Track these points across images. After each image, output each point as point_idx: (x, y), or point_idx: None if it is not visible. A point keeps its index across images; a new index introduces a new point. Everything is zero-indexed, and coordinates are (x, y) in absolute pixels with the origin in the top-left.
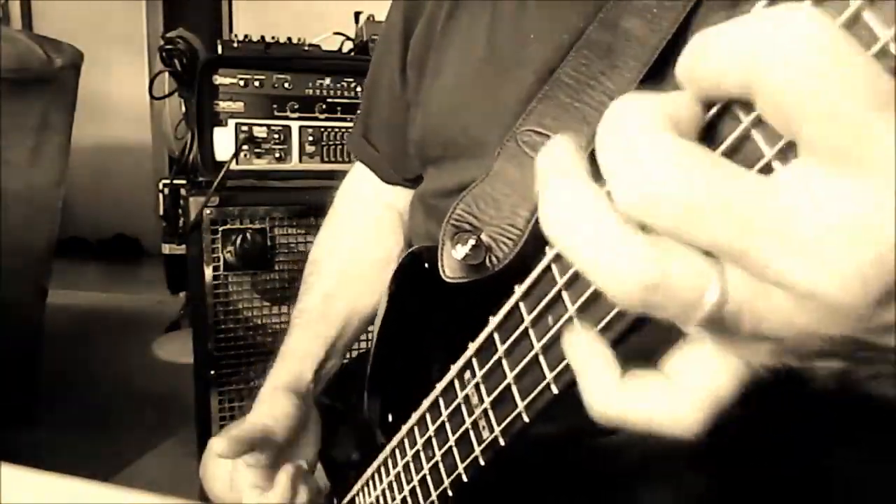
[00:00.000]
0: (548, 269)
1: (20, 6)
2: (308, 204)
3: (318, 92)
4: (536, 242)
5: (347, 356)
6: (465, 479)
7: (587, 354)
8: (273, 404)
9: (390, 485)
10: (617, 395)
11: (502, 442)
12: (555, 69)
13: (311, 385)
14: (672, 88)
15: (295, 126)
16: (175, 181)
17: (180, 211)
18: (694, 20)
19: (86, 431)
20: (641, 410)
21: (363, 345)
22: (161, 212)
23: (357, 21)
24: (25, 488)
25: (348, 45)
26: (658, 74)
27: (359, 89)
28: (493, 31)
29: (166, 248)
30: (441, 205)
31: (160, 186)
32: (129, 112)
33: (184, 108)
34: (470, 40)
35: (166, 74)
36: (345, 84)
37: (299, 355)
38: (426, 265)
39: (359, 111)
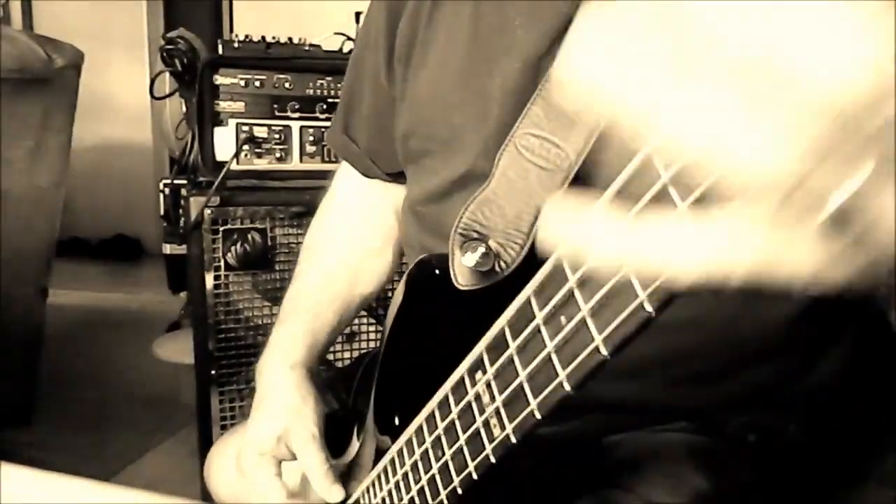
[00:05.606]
0: (559, 267)
1: (20, 6)
2: (308, 204)
3: (318, 92)
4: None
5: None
6: (475, 476)
7: None
8: (302, 388)
9: (397, 484)
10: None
11: (514, 439)
12: (542, 56)
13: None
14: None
15: (295, 126)
16: (176, 181)
17: (181, 211)
18: None
19: (86, 431)
20: None
21: (357, 352)
22: (161, 212)
23: (357, 21)
24: (25, 488)
25: (349, 45)
26: None
27: None
28: (476, 21)
29: (167, 248)
30: (429, 212)
31: (161, 186)
32: (129, 112)
33: (184, 108)
34: (454, 31)
35: (167, 74)
36: None
37: (310, 337)
38: (437, 271)
39: (338, 108)
